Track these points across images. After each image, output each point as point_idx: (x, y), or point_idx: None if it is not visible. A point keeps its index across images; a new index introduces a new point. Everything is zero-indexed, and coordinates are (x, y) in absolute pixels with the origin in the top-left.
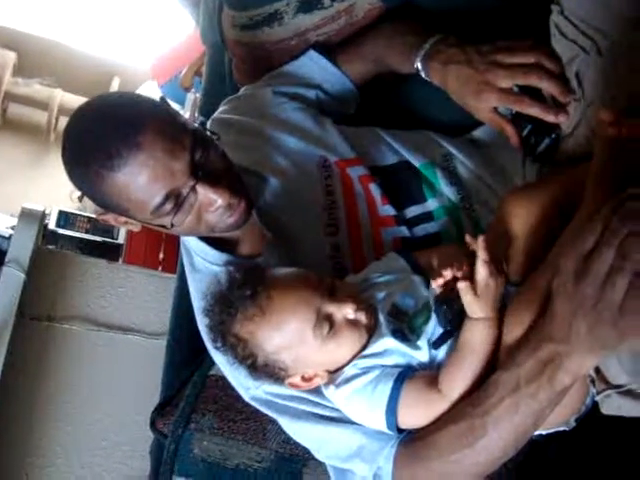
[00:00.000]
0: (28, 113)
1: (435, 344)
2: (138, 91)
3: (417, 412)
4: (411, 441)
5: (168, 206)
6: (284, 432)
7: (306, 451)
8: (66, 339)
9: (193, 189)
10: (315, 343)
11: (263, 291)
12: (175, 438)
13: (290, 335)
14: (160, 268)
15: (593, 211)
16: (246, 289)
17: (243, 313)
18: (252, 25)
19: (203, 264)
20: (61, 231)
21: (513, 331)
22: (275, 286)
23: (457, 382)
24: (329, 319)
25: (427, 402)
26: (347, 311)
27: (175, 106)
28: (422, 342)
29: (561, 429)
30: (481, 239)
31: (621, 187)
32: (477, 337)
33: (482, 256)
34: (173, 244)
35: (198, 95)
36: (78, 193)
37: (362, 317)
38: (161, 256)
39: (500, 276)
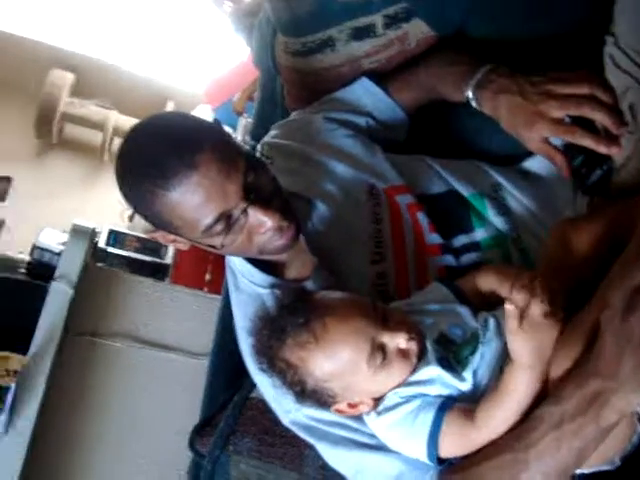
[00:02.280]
0: (83, 133)
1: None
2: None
3: (456, 443)
4: (451, 472)
5: (219, 227)
6: (322, 458)
7: (343, 478)
8: (109, 355)
9: (244, 211)
10: (367, 373)
11: (317, 318)
12: (213, 459)
13: (343, 364)
14: (206, 289)
15: None
16: (299, 315)
17: (295, 339)
18: (305, 52)
19: (248, 285)
20: (110, 249)
21: (560, 364)
22: (329, 313)
23: (493, 419)
24: (382, 349)
25: (464, 435)
26: (400, 340)
27: (228, 129)
28: (467, 374)
29: (605, 468)
30: (538, 276)
31: None
32: (519, 387)
33: (538, 293)
34: (220, 265)
35: (250, 120)
36: (129, 212)
37: (413, 346)
38: (207, 277)
39: (555, 322)
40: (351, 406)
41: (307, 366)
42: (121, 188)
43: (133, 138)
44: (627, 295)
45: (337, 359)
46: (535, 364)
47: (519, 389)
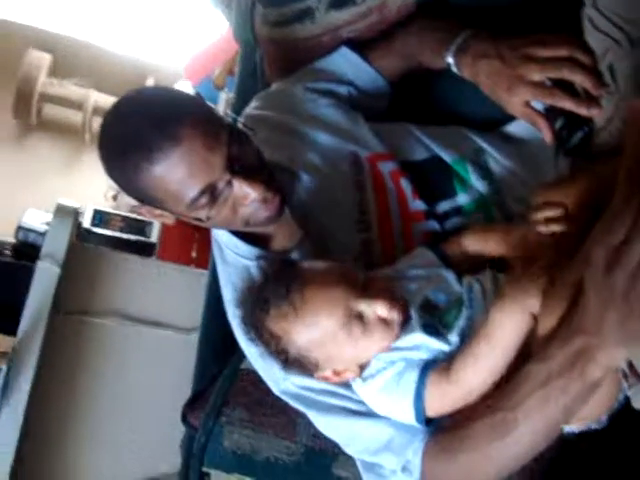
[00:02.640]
0: (63, 113)
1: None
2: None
3: (439, 401)
4: (441, 434)
5: (204, 199)
6: (314, 426)
7: (335, 445)
8: (99, 333)
9: (229, 183)
10: (347, 341)
11: (296, 289)
12: (206, 431)
13: (322, 333)
14: (193, 266)
15: (624, 203)
16: (279, 286)
17: (277, 310)
18: (283, 22)
19: (235, 257)
20: (96, 229)
21: (545, 323)
22: (308, 284)
23: (472, 371)
24: (361, 317)
25: (444, 389)
26: (380, 309)
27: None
28: (453, 337)
29: (593, 426)
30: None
31: None
32: (504, 328)
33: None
34: (205, 242)
35: (231, 94)
36: (112, 192)
37: (395, 315)
38: (194, 254)
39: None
40: (336, 373)
41: (289, 336)
42: (105, 165)
43: (114, 115)
44: (608, 252)
45: (316, 328)
46: (530, 300)
47: (501, 332)
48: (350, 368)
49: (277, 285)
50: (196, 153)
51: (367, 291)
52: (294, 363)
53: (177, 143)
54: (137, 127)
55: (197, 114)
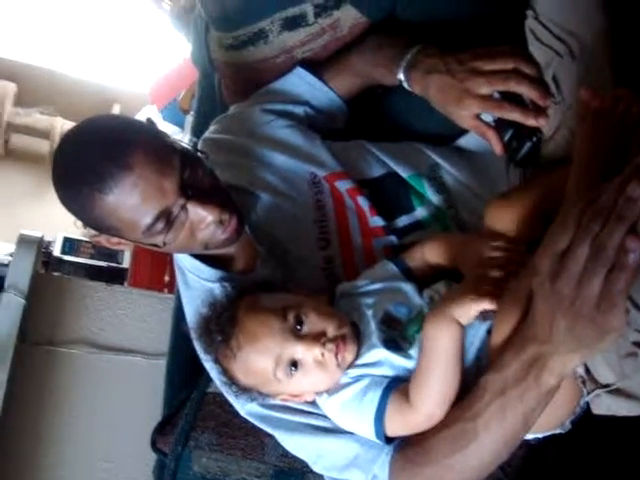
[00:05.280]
0: (30, 143)
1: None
2: (138, 116)
3: (399, 423)
4: (406, 447)
5: (159, 225)
6: (282, 446)
7: (304, 464)
8: (67, 363)
9: (184, 207)
10: (289, 381)
11: (234, 335)
12: (175, 456)
13: (262, 376)
14: (166, 290)
15: (567, 211)
16: (222, 327)
17: (220, 351)
18: (238, 45)
19: (197, 281)
20: (66, 257)
21: (500, 332)
22: (243, 331)
23: (425, 396)
24: (293, 362)
25: (403, 414)
26: (315, 354)
27: (175, 128)
28: (414, 351)
29: (557, 432)
30: None
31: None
32: (436, 345)
33: None
34: None
35: None
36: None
37: (331, 358)
38: (166, 278)
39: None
40: (294, 396)
41: (233, 373)
42: (60, 197)
43: (66, 145)
44: (553, 260)
45: (255, 372)
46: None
47: (434, 350)
48: (305, 394)
49: (220, 326)
50: (148, 179)
51: (300, 334)
52: (246, 391)
53: (128, 170)
54: (88, 157)
55: (147, 140)
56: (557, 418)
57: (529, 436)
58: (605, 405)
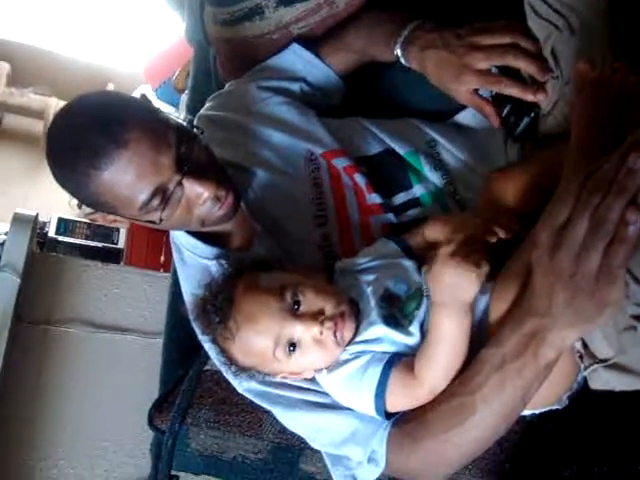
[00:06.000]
0: (24, 123)
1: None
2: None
3: (402, 398)
4: (403, 422)
5: (155, 202)
6: (279, 422)
7: (302, 440)
8: (63, 342)
9: (179, 184)
10: (288, 360)
11: (232, 316)
12: (172, 433)
13: (261, 356)
14: (162, 270)
15: (566, 185)
16: (218, 309)
17: (219, 330)
18: (233, 21)
19: (194, 258)
20: (61, 238)
21: (498, 308)
22: (241, 311)
23: (430, 370)
24: (291, 341)
25: (408, 389)
26: (313, 332)
27: (169, 108)
28: (414, 327)
29: (554, 407)
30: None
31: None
32: (442, 328)
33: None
34: None
35: None
36: (76, 200)
37: (329, 336)
38: (162, 258)
39: (467, 264)
40: (293, 374)
41: (232, 354)
42: (55, 175)
43: (60, 123)
44: (553, 233)
45: (254, 352)
46: (448, 302)
47: (443, 330)
48: (305, 372)
49: (217, 307)
50: (143, 155)
51: (298, 313)
52: (245, 370)
53: (123, 147)
54: (82, 134)
55: (142, 116)
56: (554, 393)
57: (526, 412)
58: (603, 380)
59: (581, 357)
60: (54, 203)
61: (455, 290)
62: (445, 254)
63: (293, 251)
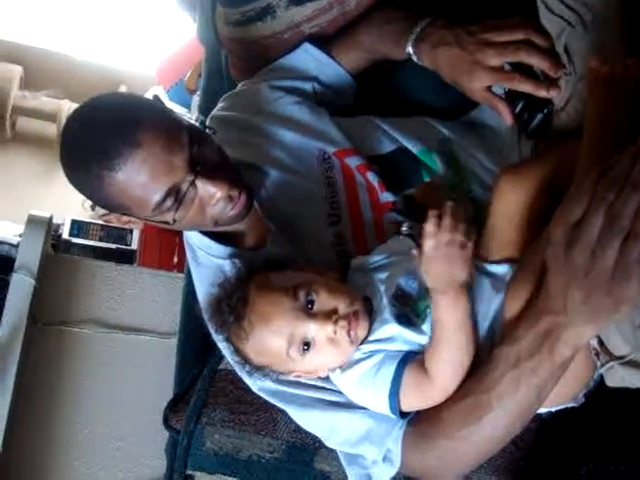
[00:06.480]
0: (37, 126)
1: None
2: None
3: (416, 397)
4: (418, 421)
5: (169, 202)
6: (294, 422)
7: (317, 439)
8: (79, 343)
9: (192, 184)
10: (301, 360)
11: (245, 315)
12: (187, 433)
13: (275, 355)
14: (175, 271)
15: (581, 182)
16: (232, 308)
17: (233, 329)
18: (245, 21)
19: (208, 258)
20: (75, 240)
21: (513, 306)
22: (255, 311)
23: (440, 365)
24: (305, 340)
25: (421, 385)
26: (327, 331)
27: (182, 109)
28: (427, 326)
29: (570, 405)
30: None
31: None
32: (442, 317)
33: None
34: None
35: None
36: (90, 202)
37: (343, 335)
38: (175, 259)
39: (459, 249)
40: (307, 373)
41: (246, 353)
42: (68, 176)
43: (73, 125)
44: (567, 230)
45: (267, 352)
46: (444, 289)
47: (445, 322)
48: (319, 370)
49: (231, 306)
50: (157, 156)
51: (312, 312)
52: (258, 370)
53: (137, 148)
54: (95, 136)
55: (155, 117)
56: (570, 391)
57: (542, 410)
58: (619, 377)
59: (597, 354)
60: (68, 205)
61: (449, 273)
62: (429, 234)
63: (306, 250)
